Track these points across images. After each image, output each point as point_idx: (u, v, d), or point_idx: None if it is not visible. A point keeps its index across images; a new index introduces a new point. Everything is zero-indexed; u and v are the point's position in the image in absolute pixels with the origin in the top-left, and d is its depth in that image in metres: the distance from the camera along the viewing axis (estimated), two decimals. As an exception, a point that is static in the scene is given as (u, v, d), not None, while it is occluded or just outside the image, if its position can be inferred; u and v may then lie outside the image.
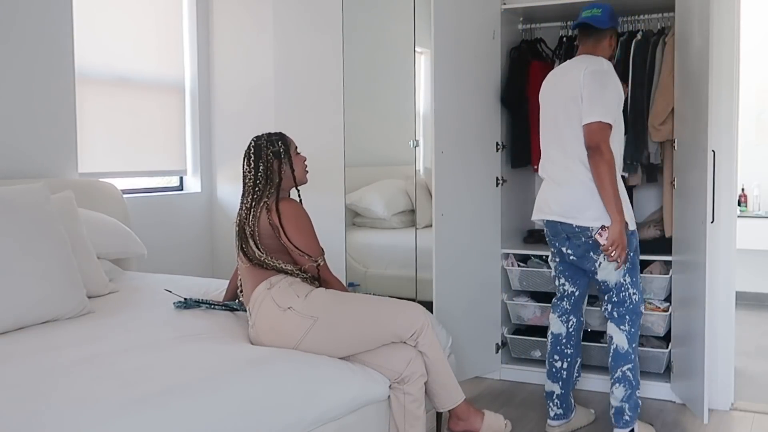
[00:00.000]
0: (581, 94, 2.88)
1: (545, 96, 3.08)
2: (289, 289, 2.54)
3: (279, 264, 2.59)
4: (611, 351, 3.03)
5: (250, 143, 2.68)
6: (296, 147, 2.73)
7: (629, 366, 2.99)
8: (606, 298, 3.06)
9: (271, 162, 2.64)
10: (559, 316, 3.14)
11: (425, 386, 2.56)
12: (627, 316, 3.00)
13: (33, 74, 3.58)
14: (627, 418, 2.99)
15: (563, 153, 2.97)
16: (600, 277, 2.99)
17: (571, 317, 3.14)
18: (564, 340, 3.13)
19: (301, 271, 2.61)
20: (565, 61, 3.71)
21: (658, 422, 3.29)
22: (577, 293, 3.13)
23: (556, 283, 3.17)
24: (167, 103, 4.56)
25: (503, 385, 3.79)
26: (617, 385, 3.00)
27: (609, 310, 3.05)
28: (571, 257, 3.02)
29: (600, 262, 2.94)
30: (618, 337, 3.01)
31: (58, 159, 3.72)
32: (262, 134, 2.70)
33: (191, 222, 4.64)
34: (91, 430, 1.72)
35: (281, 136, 2.70)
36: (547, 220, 3.04)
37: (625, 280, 2.97)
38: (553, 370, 3.13)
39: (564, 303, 3.14)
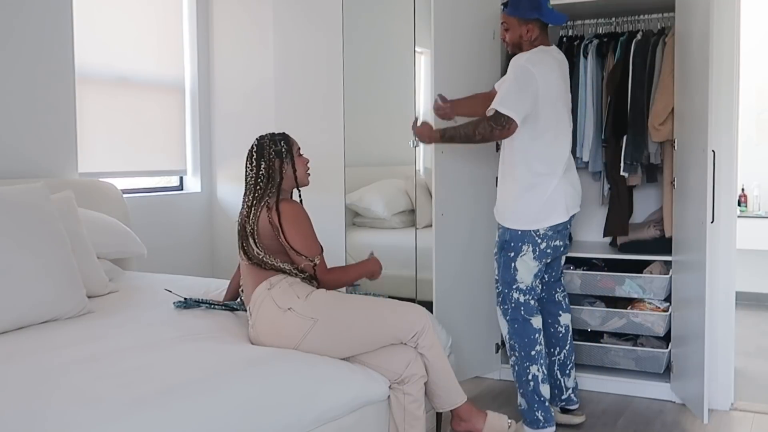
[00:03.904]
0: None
1: (555, 85, 3.00)
2: (290, 289, 2.54)
3: (278, 263, 2.59)
4: (570, 339, 3.25)
5: (253, 143, 2.68)
6: (299, 148, 2.74)
7: None
8: (559, 287, 3.25)
9: (273, 161, 2.64)
10: (539, 314, 3.13)
11: (425, 387, 2.56)
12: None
13: (33, 74, 3.58)
14: None
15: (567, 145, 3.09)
16: (563, 261, 3.23)
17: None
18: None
19: (299, 270, 2.61)
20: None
21: (658, 422, 3.29)
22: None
23: (532, 284, 3.06)
24: (167, 103, 4.56)
25: (503, 385, 3.79)
26: (575, 369, 3.30)
27: (561, 299, 3.26)
28: (561, 248, 3.10)
29: None
30: (570, 325, 3.27)
31: (58, 159, 3.72)
32: (266, 134, 2.71)
33: (191, 222, 4.64)
34: (91, 430, 1.72)
35: (284, 136, 2.71)
36: (573, 214, 3.08)
37: None
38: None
39: (536, 303, 3.12)
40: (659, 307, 3.54)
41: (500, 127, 2.89)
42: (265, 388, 2.13)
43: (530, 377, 3.05)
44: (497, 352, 3.83)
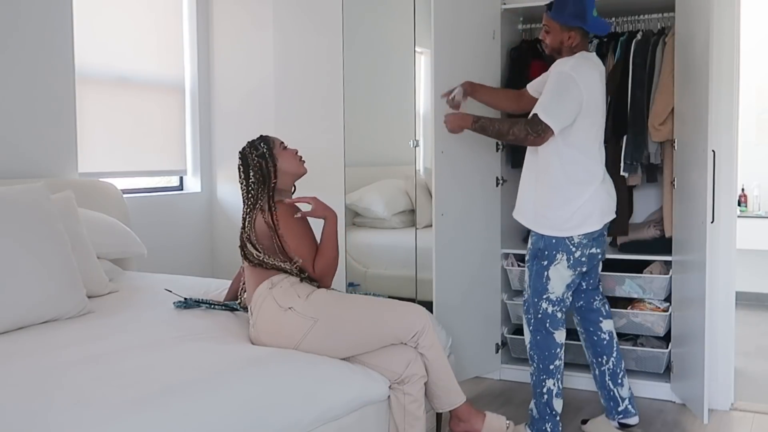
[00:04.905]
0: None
1: (597, 92, 2.93)
2: (291, 289, 2.55)
3: (278, 263, 2.59)
4: (616, 345, 3.12)
5: (238, 157, 2.70)
6: (282, 143, 2.74)
7: None
8: (597, 295, 3.15)
9: (259, 164, 2.65)
10: (563, 328, 3.04)
11: (425, 387, 2.56)
12: None
13: (33, 74, 3.58)
14: None
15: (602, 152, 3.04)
16: (600, 268, 3.13)
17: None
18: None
19: (299, 270, 2.61)
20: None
21: (658, 422, 3.29)
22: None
23: (563, 296, 2.98)
24: (167, 103, 4.56)
25: (503, 385, 3.79)
26: (626, 377, 3.12)
27: (601, 306, 3.15)
28: (598, 255, 3.04)
29: None
30: (614, 331, 3.15)
31: (58, 159, 3.72)
32: (245, 144, 2.72)
33: (191, 222, 4.64)
34: (91, 429, 1.73)
35: (262, 138, 2.73)
36: (607, 222, 3.00)
37: None
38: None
39: (563, 316, 3.03)
40: (659, 307, 3.54)
41: (535, 134, 2.84)
42: (265, 388, 2.13)
43: (545, 390, 2.99)
44: (497, 352, 3.83)
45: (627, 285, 3.58)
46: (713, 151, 3.01)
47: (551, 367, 2.98)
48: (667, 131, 3.40)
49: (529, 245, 3.06)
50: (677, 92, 3.32)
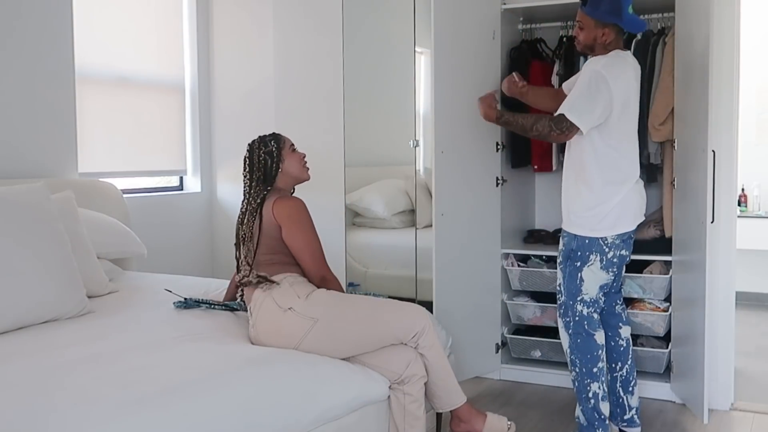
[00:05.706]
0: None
1: (631, 92, 2.89)
2: (290, 289, 2.55)
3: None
4: (631, 352, 3.12)
5: (246, 149, 2.70)
6: (292, 145, 2.74)
7: None
8: (619, 299, 3.14)
9: (264, 162, 2.65)
10: (602, 329, 3.02)
11: (425, 387, 2.56)
12: None
13: (33, 74, 3.58)
14: None
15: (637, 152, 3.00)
16: (623, 271, 3.13)
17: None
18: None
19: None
20: (563, 61, 3.73)
21: (658, 422, 3.29)
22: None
23: (596, 297, 2.96)
24: (167, 103, 4.56)
25: (503, 385, 3.79)
26: (637, 386, 3.12)
27: (621, 311, 3.13)
28: (626, 258, 3.01)
29: None
30: (630, 339, 3.13)
31: (58, 159, 3.72)
32: (256, 138, 2.72)
33: (191, 222, 4.64)
34: (91, 429, 1.73)
35: (274, 136, 2.72)
36: (639, 222, 2.98)
37: None
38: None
39: (599, 317, 3.02)
40: (659, 307, 3.54)
41: (559, 131, 2.82)
42: (265, 388, 2.13)
43: (591, 395, 2.95)
44: (497, 352, 3.83)
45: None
46: (713, 151, 3.01)
47: (594, 369, 2.94)
48: (667, 131, 3.40)
49: (561, 246, 3.04)
50: (677, 92, 3.32)
